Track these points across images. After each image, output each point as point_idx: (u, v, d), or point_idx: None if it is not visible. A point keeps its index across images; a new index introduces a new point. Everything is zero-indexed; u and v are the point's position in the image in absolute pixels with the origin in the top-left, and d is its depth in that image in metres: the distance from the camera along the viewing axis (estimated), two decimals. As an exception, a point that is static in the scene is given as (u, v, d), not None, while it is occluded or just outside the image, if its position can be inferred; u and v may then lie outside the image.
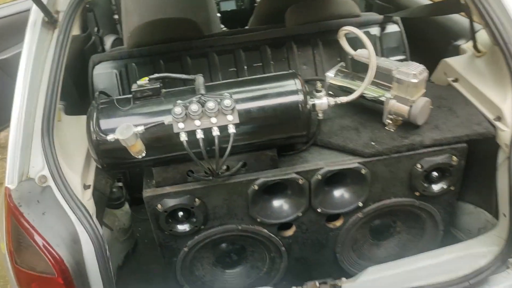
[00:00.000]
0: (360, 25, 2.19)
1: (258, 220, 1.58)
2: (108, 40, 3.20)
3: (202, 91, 1.34)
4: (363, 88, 1.49)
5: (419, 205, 1.66)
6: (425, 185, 1.60)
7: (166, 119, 1.31)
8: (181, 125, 1.29)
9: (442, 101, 1.69)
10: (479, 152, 1.59)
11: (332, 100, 1.50)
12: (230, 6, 3.67)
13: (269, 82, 1.46)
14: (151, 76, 1.44)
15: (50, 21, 1.47)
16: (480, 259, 1.54)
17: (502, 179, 1.50)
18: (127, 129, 1.28)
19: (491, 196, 1.63)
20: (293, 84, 1.43)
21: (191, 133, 1.31)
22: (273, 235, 1.63)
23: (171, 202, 1.48)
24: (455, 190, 1.66)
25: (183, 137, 1.30)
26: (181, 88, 1.49)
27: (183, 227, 1.55)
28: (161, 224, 1.52)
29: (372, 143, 1.53)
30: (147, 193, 1.48)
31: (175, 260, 1.65)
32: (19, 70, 1.41)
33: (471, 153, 1.57)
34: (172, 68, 2.13)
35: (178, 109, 1.27)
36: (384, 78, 1.55)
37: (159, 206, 1.49)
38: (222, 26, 3.16)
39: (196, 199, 1.50)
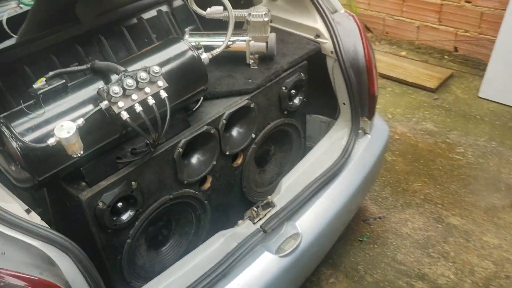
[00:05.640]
0: (150, 6, 2.34)
1: (185, 182, 1.67)
2: None
3: (121, 68, 1.34)
4: (229, 37, 1.73)
5: (288, 122, 2.04)
6: (290, 103, 1.98)
7: (102, 104, 1.27)
8: (121, 103, 1.28)
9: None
10: (312, 67, 2.06)
11: (209, 54, 1.69)
12: None
13: (162, 49, 1.55)
14: (47, 76, 1.33)
15: None
16: (341, 141, 2.05)
17: (337, 78, 2.01)
18: (67, 126, 1.19)
19: (324, 101, 2.15)
20: (184, 44, 1.56)
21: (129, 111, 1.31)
22: (198, 192, 1.75)
23: (112, 195, 1.43)
24: (305, 101, 2.10)
25: (125, 115, 1.29)
26: (81, 80, 1.42)
27: (127, 215, 1.51)
28: (106, 221, 1.45)
29: (249, 80, 1.81)
30: (85, 196, 1.39)
31: (120, 258, 1.58)
32: None
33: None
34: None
35: (116, 88, 1.25)
36: (236, 26, 1.82)
37: (100, 204, 1.42)
38: None
39: (133, 182, 1.48)
